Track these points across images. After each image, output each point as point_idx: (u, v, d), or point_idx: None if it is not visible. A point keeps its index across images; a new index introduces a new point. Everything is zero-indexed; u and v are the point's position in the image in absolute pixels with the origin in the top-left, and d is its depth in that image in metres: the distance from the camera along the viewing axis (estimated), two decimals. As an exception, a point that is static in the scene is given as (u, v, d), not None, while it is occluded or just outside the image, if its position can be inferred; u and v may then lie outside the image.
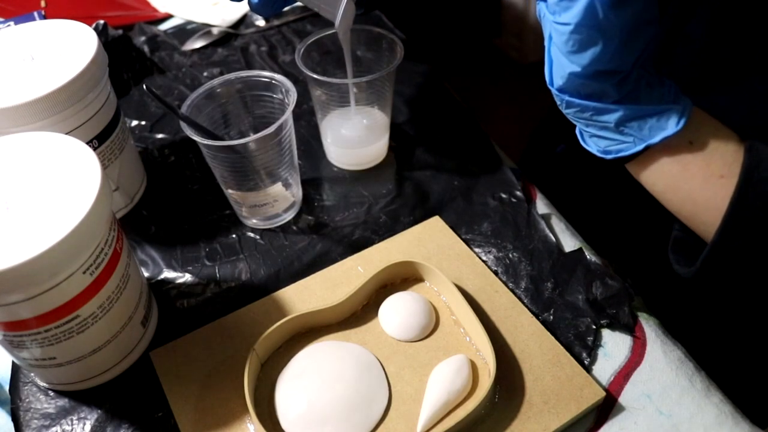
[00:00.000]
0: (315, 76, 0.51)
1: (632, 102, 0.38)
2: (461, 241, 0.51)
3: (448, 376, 0.41)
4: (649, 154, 0.40)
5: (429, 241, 0.51)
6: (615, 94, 0.38)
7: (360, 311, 0.47)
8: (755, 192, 0.37)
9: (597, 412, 0.42)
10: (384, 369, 0.43)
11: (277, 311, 0.47)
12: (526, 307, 0.46)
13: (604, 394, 0.41)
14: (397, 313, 0.45)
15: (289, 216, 0.55)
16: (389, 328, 0.45)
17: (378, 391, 0.42)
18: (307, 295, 0.48)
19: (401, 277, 0.49)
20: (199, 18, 0.80)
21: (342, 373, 0.42)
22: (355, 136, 0.56)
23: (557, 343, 0.44)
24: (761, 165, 0.38)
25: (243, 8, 0.81)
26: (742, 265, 0.40)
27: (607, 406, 0.42)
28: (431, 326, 0.45)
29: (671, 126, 0.38)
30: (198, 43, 0.76)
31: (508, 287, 0.48)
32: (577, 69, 0.36)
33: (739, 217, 0.38)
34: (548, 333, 0.45)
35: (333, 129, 0.57)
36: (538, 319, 0.46)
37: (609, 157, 0.41)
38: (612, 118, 0.39)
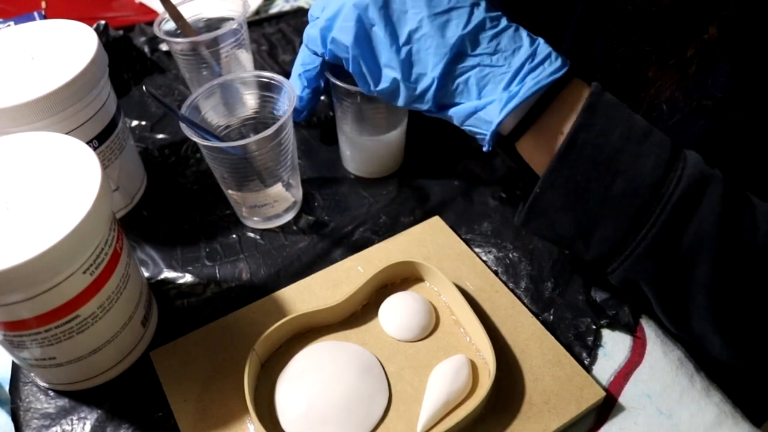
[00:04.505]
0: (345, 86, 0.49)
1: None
2: (461, 241, 0.51)
3: (448, 376, 0.41)
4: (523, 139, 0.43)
5: (429, 241, 0.51)
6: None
7: (360, 311, 0.47)
8: (577, 152, 0.39)
9: (597, 412, 0.42)
10: (384, 369, 0.43)
11: (277, 311, 0.47)
12: (526, 307, 0.46)
13: (604, 394, 0.41)
14: (397, 313, 0.45)
15: (289, 216, 0.55)
16: (389, 328, 0.45)
17: (378, 391, 0.42)
18: (307, 295, 0.48)
19: (401, 277, 0.49)
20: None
21: (342, 373, 0.42)
22: (378, 154, 0.56)
23: (557, 343, 0.44)
24: (591, 129, 0.39)
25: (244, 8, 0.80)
26: (558, 221, 0.42)
27: (607, 406, 0.42)
28: (431, 326, 0.45)
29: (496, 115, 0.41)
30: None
31: (508, 287, 0.48)
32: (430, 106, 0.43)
33: (558, 171, 0.40)
34: (548, 333, 0.45)
35: (355, 142, 0.56)
36: (538, 319, 0.46)
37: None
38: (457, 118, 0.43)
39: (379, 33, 0.42)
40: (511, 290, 0.48)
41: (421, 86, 0.42)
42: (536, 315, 0.46)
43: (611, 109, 0.40)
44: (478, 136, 0.43)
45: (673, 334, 0.46)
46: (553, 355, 0.43)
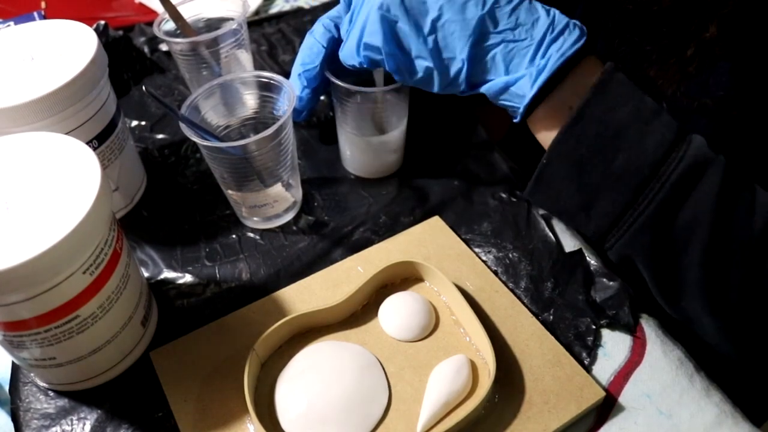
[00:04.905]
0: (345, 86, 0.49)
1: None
2: (461, 241, 0.51)
3: (448, 376, 0.41)
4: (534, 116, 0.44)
5: (429, 241, 0.51)
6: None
7: (360, 311, 0.47)
8: (583, 126, 0.41)
9: (597, 412, 0.42)
10: (384, 369, 0.43)
11: (277, 311, 0.47)
12: (526, 307, 0.47)
13: (604, 394, 0.41)
14: (397, 313, 0.45)
15: (289, 216, 0.54)
16: (389, 328, 0.45)
17: (378, 391, 0.42)
18: (308, 295, 0.48)
19: (401, 277, 0.49)
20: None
21: (342, 373, 0.42)
22: (378, 154, 0.56)
23: (557, 343, 0.44)
24: (598, 105, 0.41)
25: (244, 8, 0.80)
26: (562, 193, 0.43)
27: (607, 406, 0.42)
28: (431, 326, 0.46)
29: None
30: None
31: (508, 287, 0.48)
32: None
33: (564, 143, 0.42)
34: (548, 333, 0.45)
35: (355, 141, 0.56)
36: (538, 319, 0.46)
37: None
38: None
39: (404, 28, 0.43)
40: (511, 290, 0.48)
41: (453, 70, 0.44)
42: (536, 315, 0.46)
43: (622, 87, 0.41)
44: (510, 109, 0.44)
45: (673, 333, 0.46)
46: (553, 355, 0.43)
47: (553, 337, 0.44)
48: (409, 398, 0.42)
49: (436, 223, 0.53)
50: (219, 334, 0.46)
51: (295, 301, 0.48)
